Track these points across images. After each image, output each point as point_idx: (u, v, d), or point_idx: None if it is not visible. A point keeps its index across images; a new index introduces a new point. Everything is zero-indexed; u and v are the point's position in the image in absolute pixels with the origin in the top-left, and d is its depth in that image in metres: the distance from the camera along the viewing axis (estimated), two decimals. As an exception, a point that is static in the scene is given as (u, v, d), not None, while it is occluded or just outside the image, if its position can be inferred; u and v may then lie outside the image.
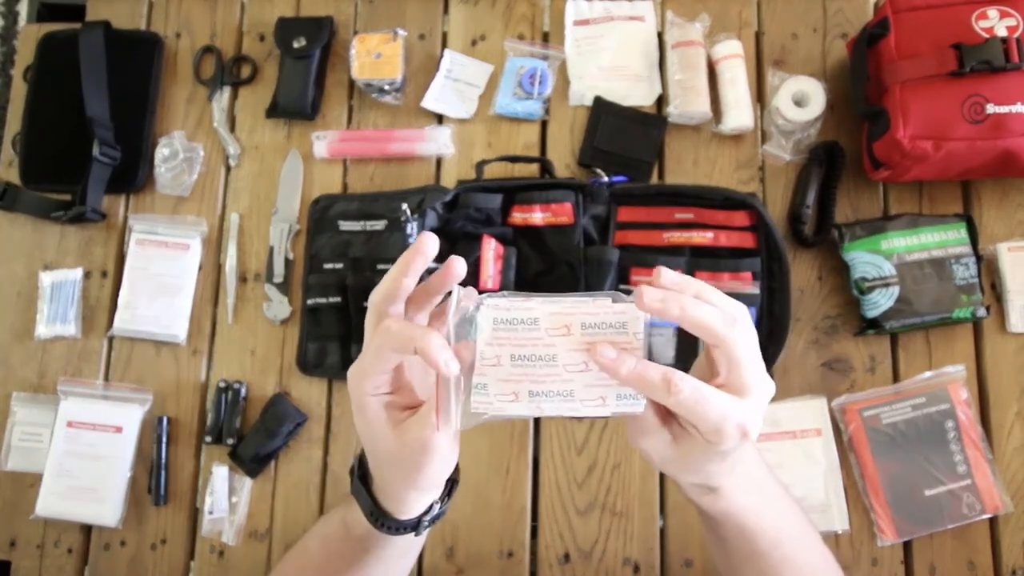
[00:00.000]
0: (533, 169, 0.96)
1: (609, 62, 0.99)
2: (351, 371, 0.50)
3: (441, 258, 0.98)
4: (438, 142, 0.97)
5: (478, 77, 1.00)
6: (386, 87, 0.99)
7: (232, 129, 1.01)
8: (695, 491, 0.53)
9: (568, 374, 0.44)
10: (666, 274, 0.45)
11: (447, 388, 0.45)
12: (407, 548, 0.59)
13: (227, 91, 1.02)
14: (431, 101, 0.99)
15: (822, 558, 0.61)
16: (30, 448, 0.92)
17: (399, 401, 0.50)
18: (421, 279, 0.55)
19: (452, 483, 0.55)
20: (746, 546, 0.56)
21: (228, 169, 1.00)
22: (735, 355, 0.45)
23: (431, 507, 0.54)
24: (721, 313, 0.45)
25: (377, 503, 0.53)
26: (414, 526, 0.54)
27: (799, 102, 0.93)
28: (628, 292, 0.45)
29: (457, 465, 0.54)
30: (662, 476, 0.89)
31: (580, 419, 0.90)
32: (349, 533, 0.57)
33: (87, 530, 0.91)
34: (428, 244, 0.50)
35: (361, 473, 0.54)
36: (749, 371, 0.45)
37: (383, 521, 0.53)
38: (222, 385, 0.92)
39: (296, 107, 0.99)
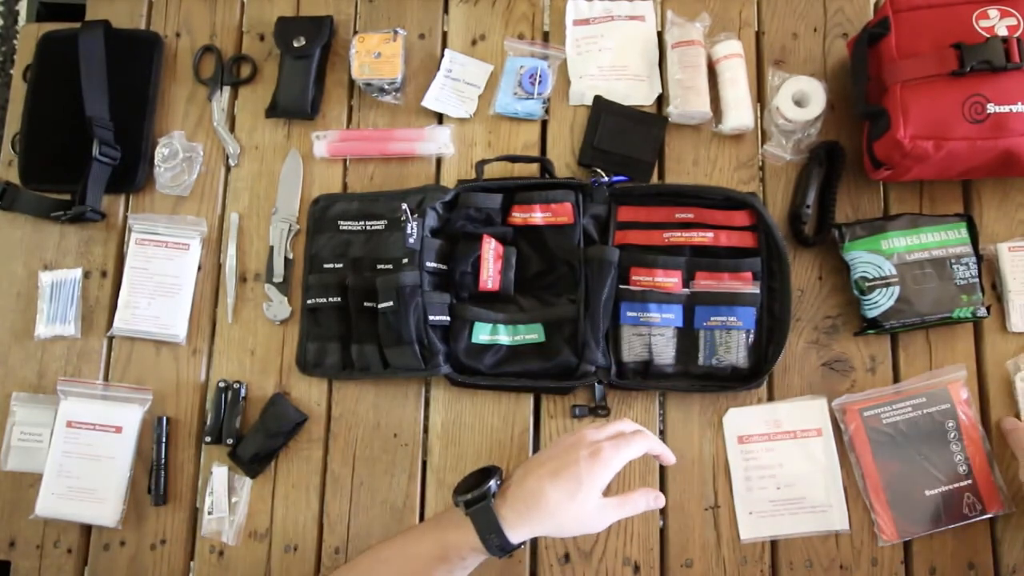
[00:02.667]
0: (533, 169, 0.96)
1: (609, 62, 0.99)
2: (602, 461, 0.70)
3: (442, 257, 0.99)
4: (438, 142, 0.97)
5: (478, 77, 1.00)
6: (386, 87, 0.98)
7: (232, 129, 1.01)
8: None
9: None
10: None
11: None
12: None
13: (227, 91, 1.02)
14: (431, 101, 0.99)
15: None
16: (30, 448, 0.92)
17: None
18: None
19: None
20: None
21: (228, 169, 1.00)
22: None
23: (516, 548, 0.70)
24: None
25: (501, 528, 0.68)
26: (510, 551, 0.69)
27: (799, 102, 0.93)
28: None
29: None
30: (662, 476, 0.89)
31: (580, 419, 0.90)
32: (446, 554, 0.69)
33: (87, 530, 0.91)
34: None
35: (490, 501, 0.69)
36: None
37: (497, 541, 0.68)
38: (222, 385, 0.92)
39: (296, 107, 0.98)
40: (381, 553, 0.72)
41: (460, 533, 0.69)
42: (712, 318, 0.88)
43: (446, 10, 1.03)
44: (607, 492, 0.71)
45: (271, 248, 0.96)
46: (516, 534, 0.68)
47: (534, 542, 0.88)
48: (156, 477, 0.90)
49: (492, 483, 0.70)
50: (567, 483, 0.69)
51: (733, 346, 0.88)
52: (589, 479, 0.69)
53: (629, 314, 0.88)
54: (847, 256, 0.89)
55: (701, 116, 0.95)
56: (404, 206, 0.90)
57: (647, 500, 0.73)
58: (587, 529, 0.71)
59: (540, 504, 0.68)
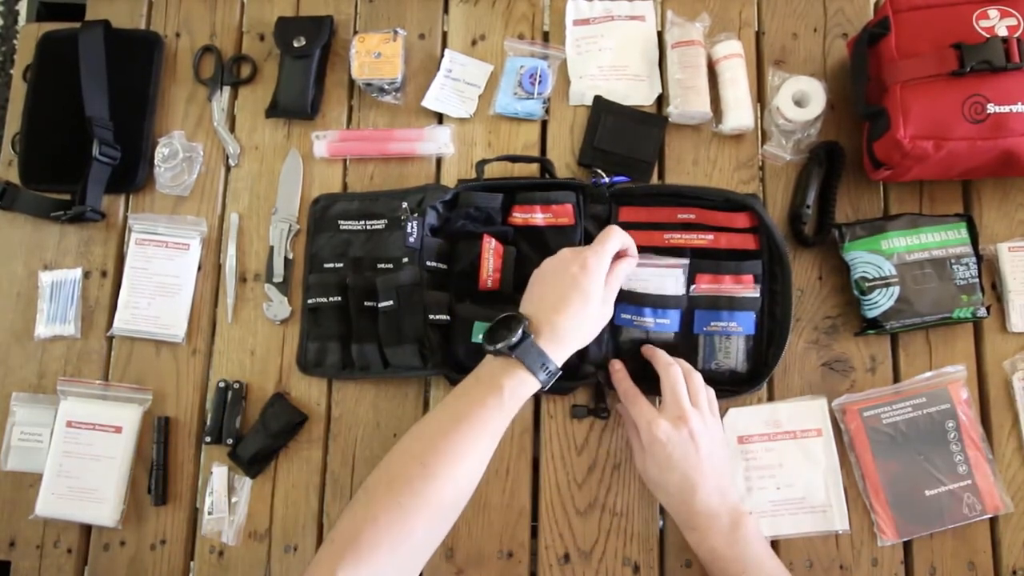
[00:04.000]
0: (533, 169, 0.96)
1: (609, 62, 0.99)
2: (593, 252, 0.79)
3: (442, 257, 0.99)
4: (438, 142, 0.97)
5: (478, 77, 1.00)
6: (386, 87, 0.98)
7: (232, 129, 1.01)
8: (680, 526, 0.81)
9: None
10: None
11: None
12: (506, 421, 0.75)
13: (227, 91, 1.02)
14: (431, 101, 0.99)
15: None
16: (30, 448, 0.92)
17: None
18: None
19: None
20: None
21: (228, 169, 1.00)
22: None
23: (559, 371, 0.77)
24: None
25: (548, 356, 0.75)
26: (553, 377, 0.76)
27: (799, 102, 0.93)
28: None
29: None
30: (662, 476, 0.89)
31: (580, 419, 0.90)
32: (492, 398, 0.73)
33: (87, 530, 0.91)
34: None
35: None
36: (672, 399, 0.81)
37: (548, 367, 0.75)
38: (222, 385, 0.92)
39: (296, 107, 0.98)
40: (425, 422, 0.76)
41: (507, 370, 0.74)
42: (712, 323, 0.88)
43: (446, 10, 1.03)
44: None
45: (271, 248, 0.96)
46: (559, 359, 0.76)
47: (534, 542, 0.88)
48: (156, 477, 0.90)
49: (520, 330, 0.75)
50: (577, 304, 0.77)
51: (732, 351, 0.88)
52: (591, 288, 0.77)
53: (623, 316, 0.88)
54: (847, 256, 0.89)
55: (701, 116, 0.95)
56: (404, 205, 0.90)
57: (624, 261, 0.83)
58: (604, 320, 0.80)
59: (566, 333, 0.76)
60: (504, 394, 0.73)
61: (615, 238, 0.81)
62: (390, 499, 0.69)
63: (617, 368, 0.87)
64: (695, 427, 0.78)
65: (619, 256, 0.83)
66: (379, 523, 0.67)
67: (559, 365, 0.76)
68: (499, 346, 0.74)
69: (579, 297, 0.77)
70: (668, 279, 0.88)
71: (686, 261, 0.88)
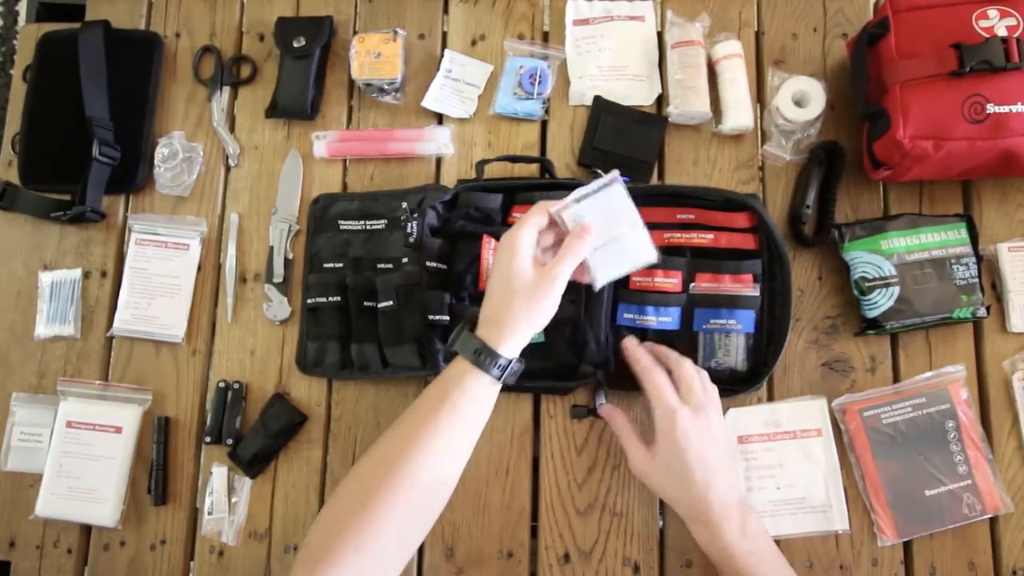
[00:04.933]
0: (533, 169, 0.96)
1: (609, 62, 0.99)
2: (508, 232, 0.75)
3: (442, 257, 0.99)
4: (438, 142, 0.97)
5: (478, 77, 1.00)
6: (386, 87, 0.99)
7: (232, 129, 1.01)
8: (690, 523, 0.78)
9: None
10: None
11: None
12: (482, 411, 0.74)
13: (227, 91, 1.02)
14: (431, 101, 0.99)
15: None
16: (30, 448, 0.92)
17: (537, 256, 0.76)
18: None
19: (524, 359, 0.76)
20: None
21: (228, 169, 1.00)
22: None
23: (513, 360, 0.73)
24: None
25: (484, 343, 0.72)
26: (506, 367, 0.72)
27: (799, 102, 0.93)
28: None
29: (521, 357, 0.75)
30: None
31: (580, 420, 0.90)
32: (446, 390, 0.72)
33: (87, 530, 0.91)
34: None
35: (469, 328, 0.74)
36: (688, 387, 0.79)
37: (486, 356, 0.72)
38: (222, 385, 0.92)
39: (296, 107, 0.99)
40: (394, 423, 0.75)
41: (452, 368, 0.73)
42: (712, 321, 0.88)
43: (446, 10, 1.03)
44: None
45: (271, 248, 0.96)
46: (504, 347, 0.72)
47: (534, 542, 0.88)
48: (156, 477, 0.90)
49: (461, 323, 0.75)
50: (497, 286, 0.74)
51: (732, 349, 0.88)
52: (511, 267, 0.73)
53: (626, 316, 0.88)
54: (847, 256, 0.89)
55: (701, 116, 0.95)
56: (404, 205, 0.90)
57: (576, 239, 0.75)
58: (550, 296, 0.73)
59: (499, 318, 0.73)
60: (450, 390, 0.72)
61: (534, 212, 0.76)
62: (357, 504, 0.69)
63: (633, 345, 0.84)
64: (713, 417, 0.78)
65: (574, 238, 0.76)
66: (348, 530, 0.67)
67: (505, 353, 0.73)
68: (446, 345, 0.75)
69: (499, 278, 0.74)
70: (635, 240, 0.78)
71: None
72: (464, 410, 0.72)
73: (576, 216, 0.76)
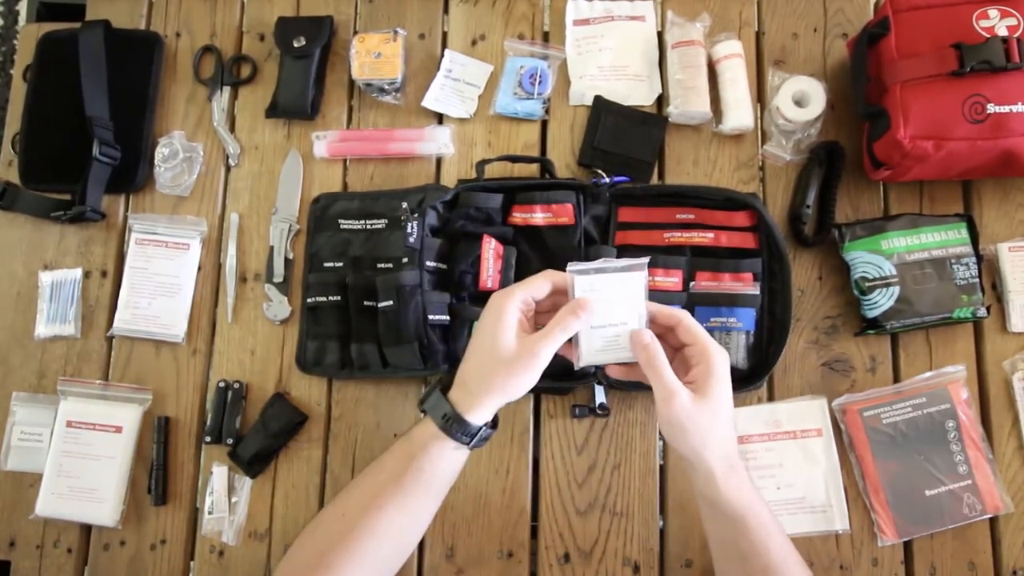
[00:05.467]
0: (533, 169, 0.96)
1: (609, 62, 0.99)
2: (500, 292, 0.69)
3: (442, 257, 0.99)
4: (438, 142, 0.97)
5: (478, 77, 1.00)
6: (386, 87, 0.98)
7: (232, 129, 1.01)
8: (724, 475, 0.67)
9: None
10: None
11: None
12: (447, 476, 0.71)
13: (227, 91, 1.02)
14: (431, 101, 0.99)
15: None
16: (30, 448, 0.92)
17: (524, 323, 0.69)
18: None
19: (496, 422, 0.72)
20: (763, 557, 0.67)
21: (228, 169, 1.00)
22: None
23: (483, 427, 0.69)
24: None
25: (453, 409, 0.67)
26: (475, 435, 0.68)
27: (799, 102, 0.93)
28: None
29: (497, 416, 0.71)
30: (662, 476, 0.89)
31: (580, 419, 0.90)
32: (409, 450, 0.69)
33: (87, 530, 0.91)
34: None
35: (440, 391, 0.69)
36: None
37: (455, 424, 0.67)
38: (222, 385, 0.92)
39: (296, 107, 0.98)
40: (359, 476, 0.73)
41: (421, 427, 0.69)
42: (712, 319, 0.88)
43: (446, 10, 1.03)
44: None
45: (271, 248, 0.96)
46: (474, 414, 0.67)
47: (534, 542, 0.88)
48: (156, 477, 0.90)
49: (435, 383, 0.71)
50: (477, 349, 0.69)
51: (733, 347, 0.88)
52: (493, 331, 0.67)
53: None
54: (847, 256, 0.89)
55: (701, 116, 0.95)
56: (404, 205, 0.90)
57: (571, 315, 0.67)
58: (530, 372, 0.66)
59: (474, 372, 0.68)
60: (416, 452, 0.68)
61: (536, 278, 0.69)
62: (316, 560, 0.68)
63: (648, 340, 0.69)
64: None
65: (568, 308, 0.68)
66: None
67: (475, 421, 0.68)
68: (420, 397, 0.72)
69: (481, 341, 0.69)
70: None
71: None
72: (429, 474, 0.69)
73: (588, 287, 0.68)
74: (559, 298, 0.70)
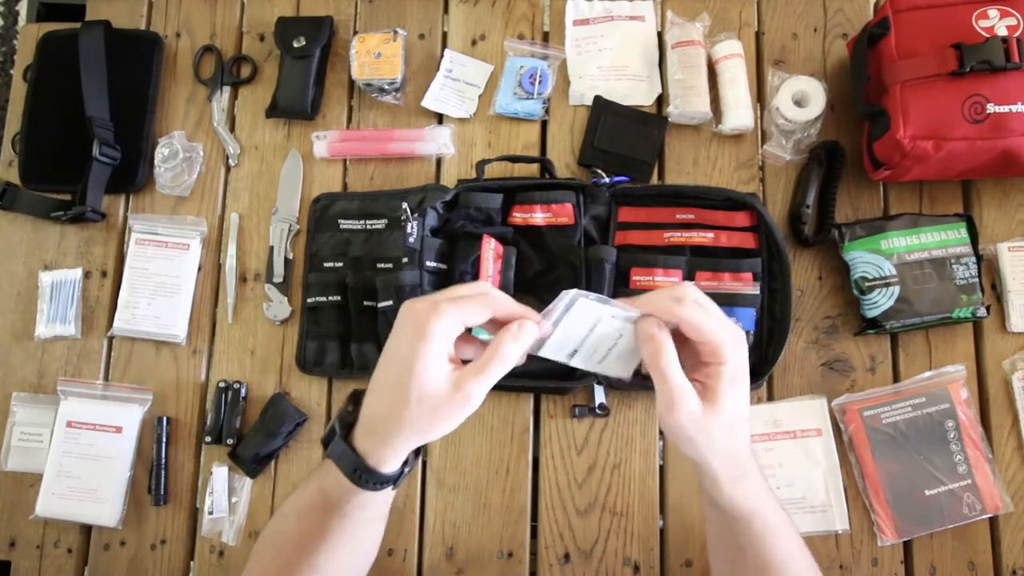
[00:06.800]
0: (533, 169, 0.96)
1: (609, 62, 0.99)
2: (422, 306, 0.54)
3: (442, 257, 0.99)
4: (438, 142, 0.97)
5: (478, 77, 1.00)
6: (386, 87, 0.98)
7: (232, 129, 1.01)
8: (733, 480, 0.59)
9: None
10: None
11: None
12: (379, 514, 0.63)
13: (227, 91, 1.02)
14: (431, 101, 0.99)
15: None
16: (30, 448, 0.92)
17: (451, 351, 0.55)
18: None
19: (417, 451, 0.60)
20: (765, 556, 0.61)
21: (228, 169, 1.00)
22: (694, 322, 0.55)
23: (405, 464, 0.58)
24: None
25: (362, 460, 0.56)
26: (394, 480, 0.58)
27: (799, 102, 0.93)
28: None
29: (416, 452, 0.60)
30: (662, 477, 0.89)
31: (580, 419, 0.90)
32: (327, 501, 0.59)
33: (87, 530, 0.91)
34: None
35: (342, 435, 0.58)
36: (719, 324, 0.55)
37: (367, 477, 0.56)
38: (222, 385, 0.92)
39: (296, 107, 0.98)
40: (280, 511, 0.65)
41: (332, 476, 0.58)
42: None
43: (446, 10, 1.03)
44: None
45: (271, 248, 0.96)
46: (384, 462, 0.56)
47: (534, 542, 0.88)
48: (156, 477, 0.90)
49: (335, 421, 0.58)
50: (396, 367, 0.54)
51: (733, 346, 0.88)
52: (414, 337, 0.53)
53: None
54: (847, 256, 0.89)
55: (701, 116, 0.95)
56: (404, 205, 0.90)
57: (512, 343, 0.54)
58: (458, 416, 0.54)
59: (386, 414, 0.55)
60: (331, 501, 0.59)
61: (475, 301, 0.55)
62: None
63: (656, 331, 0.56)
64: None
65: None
66: None
67: (389, 470, 0.56)
68: (322, 437, 0.60)
69: (393, 372, 0.54)
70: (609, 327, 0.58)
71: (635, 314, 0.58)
72: (358, 517, 0.60)
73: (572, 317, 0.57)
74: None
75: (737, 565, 0.64)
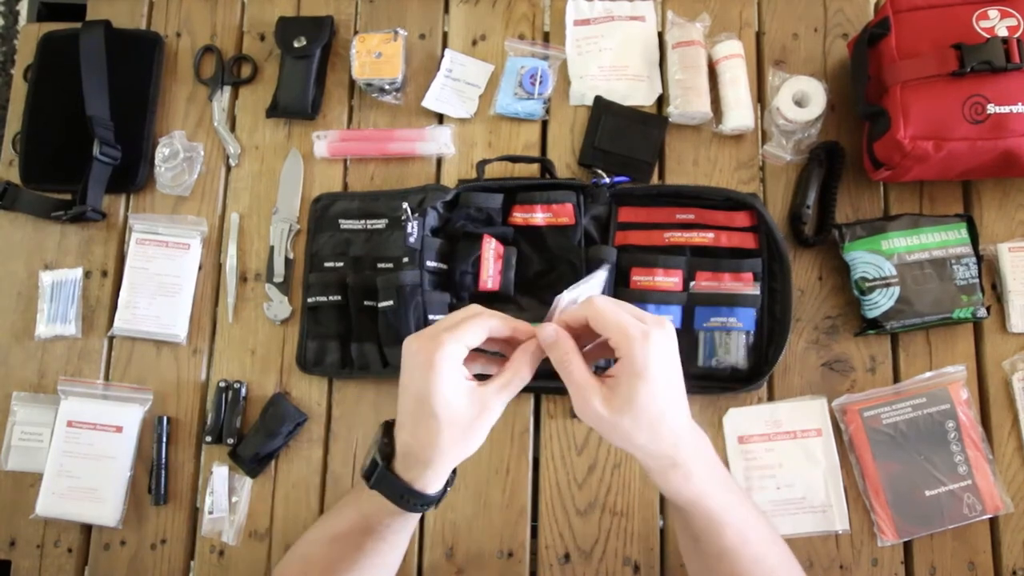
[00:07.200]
0: (534, 169, 0.96)
1: (610, 62, 0.99)
2: (424, 342, 0.58)
3: (442, 257, 0.99)
4: (438, 142, 0.97)
5: (478, 77, 1.00)
6: (386, 87, 0.99)
7: (232, 129, 1.01)
8: (661, 471, 0.59)
9: None
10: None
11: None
12: (409, 533, 0.67)
13: (227, 91, 1.02)
14: (431, 101, 0.99)
15: (790, 562, 0.65)
16: (30, 448, 0.92)
17: (464, 371, 0.59)
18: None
19: (453, 471, 0.63)
20: (716, 542, 0.61)
21: (228, 169, 1.00)
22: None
23: (447, 483, 0.63)
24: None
25: (409, 486, 0.60)
26: (438, 499, 0.62)
27: (799, 102, 0.93)
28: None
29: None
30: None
31: (580, 420, 0.89)
32: (368, 525, 0.63)
33: (87, 530, 0.91)
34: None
35: (384, 465, 0.61)
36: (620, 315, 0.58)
37: (415, 501, 0.60)
38: (222, 385, 0.92)
39: (296, 107, 0.99)
40: (309, 536, 0.68)
41: (374, 501, 0.62)
42: (712, 319, 0.88)
43: (446, 10, 1.03)
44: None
45: (271, 248, 0.96)
46: (430, 485, 0.60)
47: (534, 542, 0.88)
48: (156, 477, 0.90)
49: (375, 454, 0.62)
50: (419, 397, 0.58)
51: (733, 347, 0.88)
52: (426, 369, 0.57)
53: None
54: (847, 256, 0.89)
55: (701, 116, 0.95)
56: (405, 205, 0.90)
57: (528, 358, 0.60)
58: (485, 427, 0.59)
59: (422, 440, 0.59)
60: (374, 527, 0.63)
61: (468, 327, 0.59)
62: None
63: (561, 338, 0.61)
64: (671, 331, 0.60)
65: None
66: None
67: (434, 491, 0.61)
68: (363, 470, 0.63)
69: (417, 402, 0.58)
70: None
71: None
72: (391, 541, 0.64)
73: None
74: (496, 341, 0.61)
75: (697, 556, 0.64)
